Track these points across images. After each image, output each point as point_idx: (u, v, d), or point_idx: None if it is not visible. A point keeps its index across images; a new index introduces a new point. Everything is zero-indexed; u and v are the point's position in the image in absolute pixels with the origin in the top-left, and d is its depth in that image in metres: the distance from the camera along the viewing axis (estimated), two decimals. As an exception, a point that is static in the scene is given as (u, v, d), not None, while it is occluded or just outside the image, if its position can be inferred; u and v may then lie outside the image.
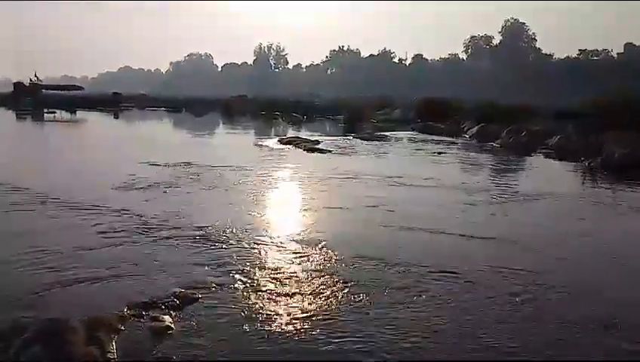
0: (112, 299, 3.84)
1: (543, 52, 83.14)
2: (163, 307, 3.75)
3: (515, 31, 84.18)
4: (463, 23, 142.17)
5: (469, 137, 20.32)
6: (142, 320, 3.56)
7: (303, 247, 5.19)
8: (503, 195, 8.45)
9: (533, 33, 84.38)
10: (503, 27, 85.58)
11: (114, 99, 44.70)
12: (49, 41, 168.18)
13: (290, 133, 21.60)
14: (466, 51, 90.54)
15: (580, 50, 77.38)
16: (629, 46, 74.88)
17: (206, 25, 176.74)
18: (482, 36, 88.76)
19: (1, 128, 22.56)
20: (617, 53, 75.26)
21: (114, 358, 3.07)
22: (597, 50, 76.89)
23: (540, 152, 15.14)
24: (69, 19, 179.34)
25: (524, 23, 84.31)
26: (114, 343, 3.21)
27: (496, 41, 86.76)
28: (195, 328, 3.47)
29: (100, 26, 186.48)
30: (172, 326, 3.48)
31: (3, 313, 3.53)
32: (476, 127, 20.79)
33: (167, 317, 3.60)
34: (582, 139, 14.56)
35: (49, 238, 5.25)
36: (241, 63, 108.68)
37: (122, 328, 3.41)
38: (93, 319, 3.39)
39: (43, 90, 42.18)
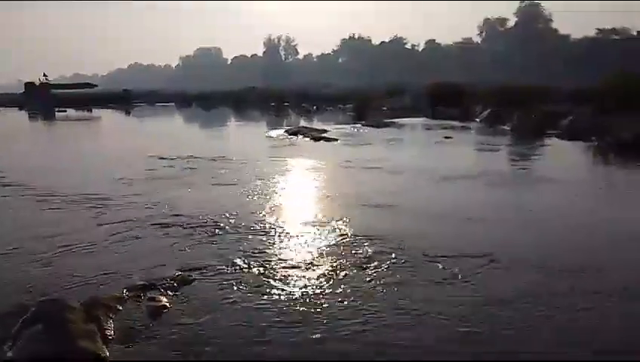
0: (112, 282, 3.98)
1: (560, 33, 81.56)
2: (160, 289, 3.88)
3: (530, 12, 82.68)
4: (477, 6, 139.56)
5: (480, 121, 20.16)
6: (139, 300, 3.69)
7: (302, 234, 5.26)
8: (511, 178, 8.43)
9: (550, 14, 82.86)
10: (518, 9, 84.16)
11: (124, 96, 45.12)
12: (60, 41, 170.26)
13: (300, 123, 21.64)
14: (480, 35, 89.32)
15: (598, 29, 75.70)
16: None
17: (215, 18, 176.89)
18: (497, 19, 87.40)
19: (12, 128, 22.95)
20: (637, 32, 73.48)
21: (111, 335, 3.20)
22: (615, 28, 75.16)
23: (551, 134, 14.97)
24: (79, 18, 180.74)
25: (539, 4, 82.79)
26: (111, 321, 3.34)
27: (511, 23, 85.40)
28: (189, 307, 3.59)
29: (109, 24, 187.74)
30: (168, 305, 3.61)
31: (5, 295, 3.69)
32: (487, 111, 20.60)
33: (164, 297, 3.73)
34: (593, 120, 14.35)
35: (55, 228, 5.44)
36: (251, 55, 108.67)
37: (120, 308, 3.55)
38: (93, 300, 3.53)
39: (53, 90, 42.73)
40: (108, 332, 3.23)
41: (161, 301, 3.67)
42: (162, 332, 3.25)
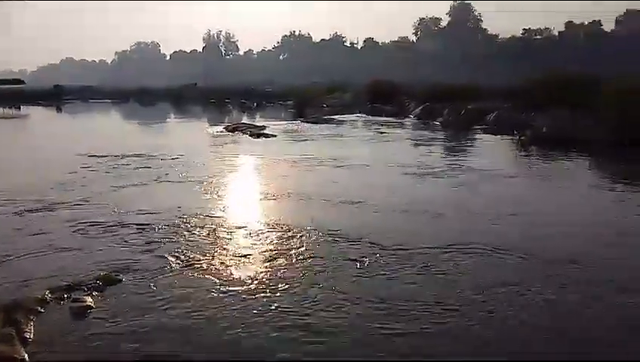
0: (36, 285, 3.89)
1: (489, 32, 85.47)
2: (85, 289, 3.84)
3: (461, 12, 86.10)
4: (413, 5, 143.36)
5: (414, 117, 20.89)
6: (63, 302, 3.65)
7: (237, 230, 5.32)
8: (434, 169, 8.87)
9: (479, 14, 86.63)
10: (450, 8, 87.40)
11: (56, 93, 42.97)
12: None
13: (240, 119, 21.54)
14: (415, 34, 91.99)
15: (523, 29, 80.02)
16: (569, 24, 78.03)
17: (152, 12, 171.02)
18: (431, 18, 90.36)
19: None
20: (559, 32, 78.32)
21: (31, 337, 3.16)
22: (540, 29, 79.73)
23: (478, 128, 15.81)
24: (5, 10, 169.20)
25: (469, 4, 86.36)
26: (32, 324, 3.30)
27: (445, 22, 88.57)
28: (114, 308, 3.58)
29: (39, 17, 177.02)
30: (93, 306, 3.59)
31: None
32: (420, 107, 21.38)
33: (89, 298, 3.70)
34: (516, 115, 15.29)
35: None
36: (191, 51, 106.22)
37: (42, 310, 3.50)
38: (12, 303, 3.46)
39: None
40: (27, 335, 3.19)
41: (85, 301, 3.64)
42: (85, 333, 3.23)
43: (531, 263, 4.38)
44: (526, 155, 10.97)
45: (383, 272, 4.16)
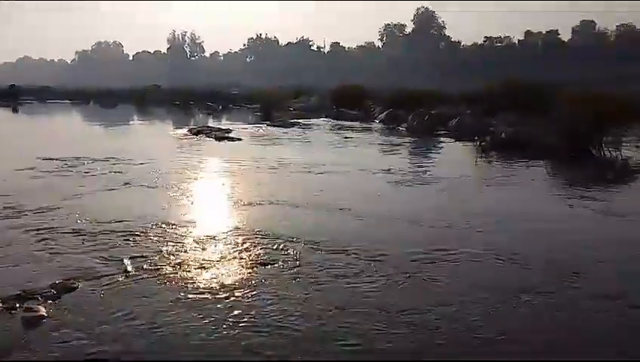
0: (-16, 294, 3.75)
1: (452, 40, 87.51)
2: (39, 298, 3.71)
3: (425, 19, 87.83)
4: (378, 11, 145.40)
5: (379, 122, 21.16)
6: (14, 311, 3.52)
7: (199, 236, 5.25)
8: (397, 174, 9.02)
9: (443, 22, 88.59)
10: (415, 15, 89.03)
11: (11, 92, 41.33)
12: None
13: (205, 122, 21.29)
14: (381, 39, 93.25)
15: (485, 37, 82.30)
16: (528, 33, 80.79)
17: (114, 12, 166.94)
18: (396, 24, 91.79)
19: None
20: (518, 40, 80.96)
21: (-22, 350, 3.04)
22: (500, 37, 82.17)
23: (440, 134, 16.15)
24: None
25: (433, 12, 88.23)
26: (-21, 335, 3.18)
27: (409, 29, 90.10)
28: (69, 316, 3.48)
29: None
30: (46, 315, 3.48)
31: None
32: (385, 113, 21.68)
33: (42, 307, 3.59)
34: (476, 121, 15.72)
35: None
36: (154, 52, 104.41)
37: (-9, 320, 3.37)
38: (-42, 313, 3.32)
39: None
40: (-26, 347, 3.07)
41: (38, 311, 3.52)
42: (36, 343, 3.13)
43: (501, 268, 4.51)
44: (486, 161, 11.27)
45: (353, 278, 4.20)
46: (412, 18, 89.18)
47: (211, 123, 20.81)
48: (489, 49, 77.95)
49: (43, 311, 3.54)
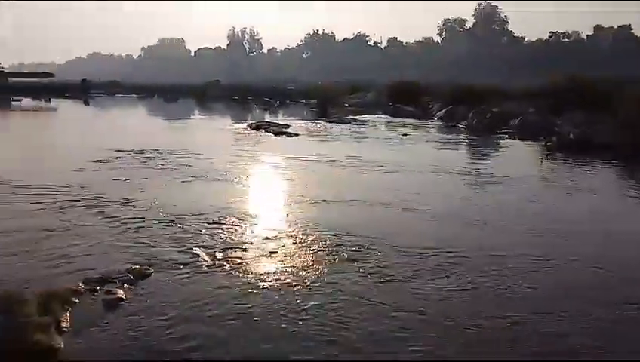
0: (69, 275, 4.03)
1: (515, 35, 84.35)
2: (117, 281, 3.95)
3: (487, 14, 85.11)
4: (438, 6, 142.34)
5: (437, 119, 20.76)
6: (96, 293, 3.76)
7: (266, 228, 5.37)
8: (461, 175, 8.81)
9: (506, 16, 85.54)
10: (476, 10, 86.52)
11: (83, 86, 43.85)
12: (14, 28, 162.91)
13: (262, 117, 21.68)
14: (440, 34, 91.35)
15: (551, 32, 78.77)
16: (598, 28, 76.56)
17: (178, 9, 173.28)
18: (456, 19, 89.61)
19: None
20: (587, 35, 76.93)
21: (67, 327, 3.28)
22: (567, 32, 78.40)
23: (502, 133, 15.64)
24: (35, 5, 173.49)
25: (496, 7, 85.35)
26: (67, 313, 3.42)
27: (470, 24, 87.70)
28: (145, 301, 3.68)
29: (68, 11, 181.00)
30: (124, 298, 3.70)
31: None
32: (444, 110, 21.23)
33: (120, 290, 3.81)
34: (540, 120, 15.10)
35: (11, 220, 5.39)
36: (215, 47, 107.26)
37: (76, 300, 3.61)
38: (48, 292, 3.57)
39: (10, 78, 41.17)
40: (63, 324, 3.30)
41: (117, 294, 3.75)
42: (117, 324, 3.33)
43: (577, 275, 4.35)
44: (553, 162, 10.80)
45: (409, 278, 4.18)
46: (473, 13, 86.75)
47: (268, 118, 21.17)
48: (555, 45, 74.46)
49: (121, 294, 3.76)
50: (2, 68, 43.72)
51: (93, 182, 7.30)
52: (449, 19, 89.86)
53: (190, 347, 3.09)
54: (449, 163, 10.14)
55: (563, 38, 77.08)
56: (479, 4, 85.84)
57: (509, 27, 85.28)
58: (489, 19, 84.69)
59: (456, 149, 12.91)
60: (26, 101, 31.79)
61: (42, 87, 39.41)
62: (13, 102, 30.66)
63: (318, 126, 17.67)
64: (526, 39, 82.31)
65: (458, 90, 23.04)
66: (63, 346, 3.06)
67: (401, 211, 6.24)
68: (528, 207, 6.68)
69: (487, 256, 4.65)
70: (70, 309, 3.48)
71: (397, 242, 4.92)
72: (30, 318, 3.19)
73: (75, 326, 3.30)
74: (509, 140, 14.32)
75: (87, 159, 9.07)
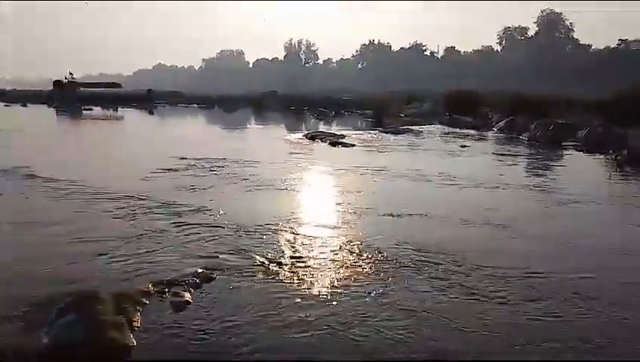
0: (138, 277, 4.25)
1: (581, 43, 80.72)
2: (183, 284, 4.12)
3: (551, 22, 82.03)
4: (496, 14, 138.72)
5: (497, 130, 20.17)
6: (164, 295, 3.95)
7: (328, 238, 5.45)
8: (528, 191, 8.49)
9: (571, 24, 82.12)
10: (538, 18, 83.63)
11: (148, 96, 46.06)
12: (84, 40, 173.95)
13: (318, 127, 21.90)
14: (500, 43, 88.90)
15: (620, 40, 74.72)
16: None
17: (237, 21, 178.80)
18: (517, 27, 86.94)
19: (42, 124, 23.59)
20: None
21: (138, 326, 3.46)
22: (638, 39, 74.04)
23: (568, 145, 14.98)
24: (104, 19, 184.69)
25: (560, 14, 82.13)
26: (139, 313, 3.60)
27: (532, 32, 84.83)
28: (210, 304, 3.83)
29: (133, 25, 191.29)
30: (191, 301, 3.86)
31: (42, 286, 3.99)
32: (504, 120, 20.61)
33: (187, 293, 3.98)
34: (608, 132, 14.34)
35: (84, 223, 5.76)
36: (272, 59, 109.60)
37: (146, 301, 3.81)
38: (120, 293, 3.79)
39: (81, 88, 43.91)
40: (135, 324, 3.49)
41: (184, 296, 3.92)
42: (185, 326, 3.49)
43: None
44: (625, 177, 10.21)
45: (495, 299, 4.09)
46: (535, 20, 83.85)
47: (324, 128, 21.33)
48: (624, 52, 70.50)
49: (188, 296, 3.92)
50: (74, 78, 46.62)
51: (163, 190, 7.64)
52: (509, 27, 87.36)
53: (251, 349, 3.21)
54: (516, 177, 9.81)
55: (633, 46, 72.85)
56: (542, 12, 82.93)
57: (574, 34, 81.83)
58: (553, 27, 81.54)
59: (522, 162, 12.45)
60: (96, 110, 33.76)
61: (111, 96, 41.72)
62: (84, 111, 32.63)
63: (374, 136, 17.62)
64: (593, 47, 78.58)
65: (519, 99, 22.31)
66: (135, 344, 3.24)
67: (480, 227, 6.02)
68: (614, 225, 6.36)
69: (580, 279, 4.43)
70: (141, 309, 3.68)
71: (480, 260, 4.76)
72: (106, 317, 3.40)
73: (147, 325, 3.48)
74: (574, 153, 13.70)
75: (157, 167, 9.50)
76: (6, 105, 36.89)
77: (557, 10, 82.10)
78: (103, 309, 3.47)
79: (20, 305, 3.64)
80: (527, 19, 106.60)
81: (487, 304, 3.89)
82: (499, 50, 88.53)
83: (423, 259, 4.80)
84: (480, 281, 4.31)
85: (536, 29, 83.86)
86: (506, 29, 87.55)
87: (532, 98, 21.61)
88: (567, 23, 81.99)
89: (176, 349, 3.21)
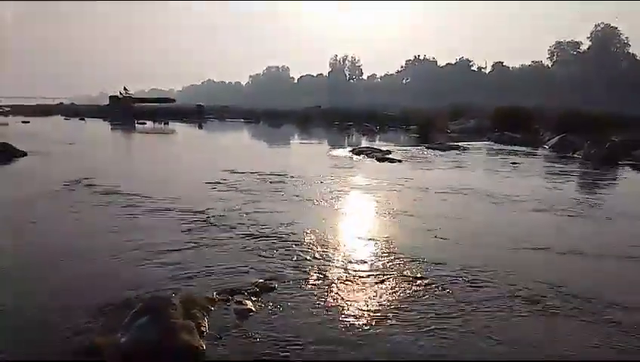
0: (203, 286, 4.48)
1: (638, 58, 77.47)
2: (245, 293, 4.32)
3: (605, 36, 79.32)
4: (546, 29, 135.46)
5: (549, 148, 19.64)
6: (228, 303, 4.15)
7: (373, 251, 5.58)
8: (583, 211, 8.27)
9: (626, 38, 79.12)
10: (592, 32, 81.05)
11: (198, 111, 47.56)
12: (135, 54, 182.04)
13: (363, 143, 22.00)
14: (550, 58, 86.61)
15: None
16: None
17: (284, 38, 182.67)
18: (569, 42, 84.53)
19: (100, 137, 24.81)
20: None
21: (206, 330, 3.66)
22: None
23: (624, 164, 14.43)
24: (158, 37, 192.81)
25: (616, 28, 79.30)
26: (206, 319, 3.81)
27: (585, 46, 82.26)
28: (272, 311, 4.00)
29: (185, 44, 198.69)
30: (253, 309, 4.04)
31: (117, 291, 4.28)
32: (556, 138, 20.06)
33: (249, 301, 4.17)
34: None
35: (147, 233, 6.09)
36: (317, 75, 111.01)
37: (212, 308, 4.02)
38: (189, 299, 4.01)
39: (136, 103, 45.87)
40: (203, 329, 3.69)
41: (246, 304, 4.10)
42: (250, 332, 3.67)
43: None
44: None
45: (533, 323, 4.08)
46: (589, 35, 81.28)
47: (369, 143, 21.39)
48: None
49: (250, 305, 4.11)
50: (130, 94, 48.74)
51: (219, 203, 7.95)
52: (561, 42, 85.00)
53: (310, 357, 3.35)
54: (579, 198, 9.44)
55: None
56: (597, 26, 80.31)
57: (630, 50, 78.70)
58: (607, 42, 78.79)
59: (580, 182, 12.01)
60: (149, 123, 35.16)
61: (163, 111, 43.34)
62: (137, 125, 34.05)
63: (420, 152, 17.53)
64: (651, 62, 75.26)
65: (572, 117, 21.67)
66: (204, 347, 3.43)
67: (559, 255, 5.69)
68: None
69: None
70: (207, 315, 3.88)
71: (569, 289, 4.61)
72: (178, 321, 3.61)
73: (213, 330, 3.68)
74: (633, 172, 13.18)
75: (211, 179, 9.90)
76: (66, 119, 39.03)
77: (612, 24, 79.37)
78: (174, 313, 3.69)
79: (102, 308, 3.94)
80: (578, 33, 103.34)
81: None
82: (549, 66, 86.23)
83: (464, 280, 4.81)
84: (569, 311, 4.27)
85: (589, 43, 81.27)
86: (557, 43, 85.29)
87: (587, 115, 20.92)
88: (623, 37, 79.10)
89: (245, 354, 3.38)
